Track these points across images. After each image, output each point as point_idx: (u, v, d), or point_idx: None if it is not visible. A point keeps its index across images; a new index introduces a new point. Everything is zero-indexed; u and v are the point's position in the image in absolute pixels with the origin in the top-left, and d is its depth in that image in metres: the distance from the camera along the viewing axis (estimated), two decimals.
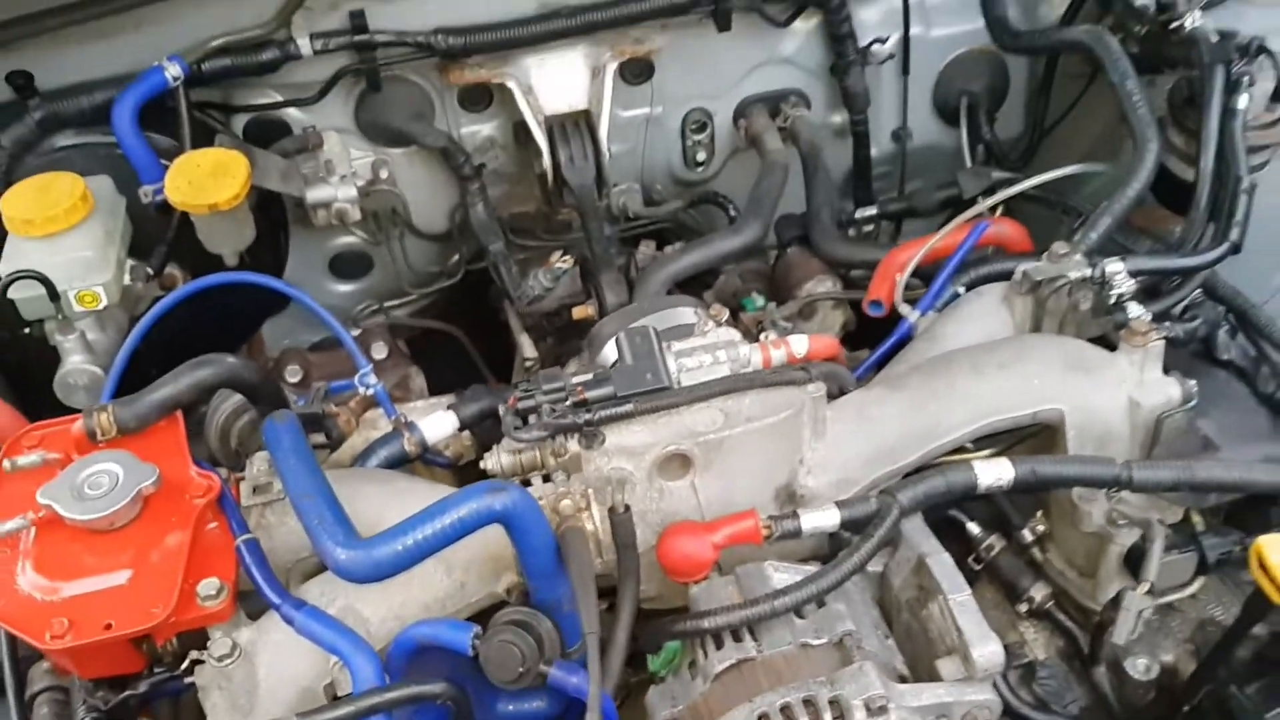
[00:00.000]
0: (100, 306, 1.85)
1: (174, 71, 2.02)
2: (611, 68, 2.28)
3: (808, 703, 1.33)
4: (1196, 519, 1.77)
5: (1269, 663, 1.70)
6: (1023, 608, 1.85)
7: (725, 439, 1.49)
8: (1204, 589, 1.82)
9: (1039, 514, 1.84)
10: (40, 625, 1.34)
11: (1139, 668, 1.78)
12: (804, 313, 2.26)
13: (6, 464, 1.49)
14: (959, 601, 1.43)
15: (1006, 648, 1.83)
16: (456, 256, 2.57)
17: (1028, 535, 1.84)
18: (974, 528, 1.89)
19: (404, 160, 2.39)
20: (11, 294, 1.79)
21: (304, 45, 2.11)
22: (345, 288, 2.57)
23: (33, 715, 1.50)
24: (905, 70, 2.53)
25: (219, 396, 1.79)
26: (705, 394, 1.49)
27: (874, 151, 2.61)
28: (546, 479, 1.54)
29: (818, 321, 2.26)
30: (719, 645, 1.41)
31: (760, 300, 2.25)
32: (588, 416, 1.47)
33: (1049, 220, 2.27)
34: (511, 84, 2.26)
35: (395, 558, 1.31)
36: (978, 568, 1.89)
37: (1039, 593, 1.84)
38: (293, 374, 2.13)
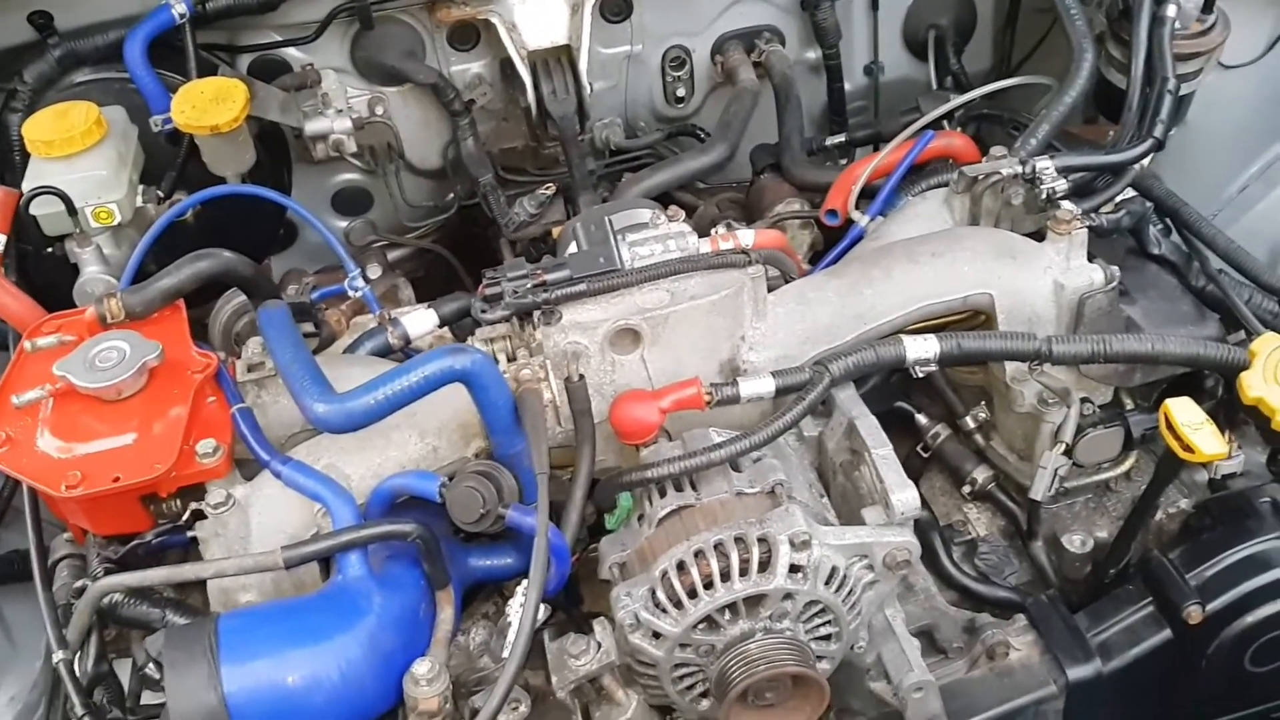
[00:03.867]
0: (115, 223, 2.01)
1: (180, 9, 2.19)
2: (590, 4, 2.42)
3: (739, 540, 1.47)
4: (1126, 400, 1.90)
5: (1192, 531, 1.84)
6: (966, 490, 1.99)
7: (671, 315, 1.64)
8: (1137, 469, 1.96)
9: (981, 403, 1.98)
10: (57, 478, 1.50)
11: (1075, 542, 1.92)
12: None
13: (28, 345, 1.66)
14: (881, 455, 1.57)
15: (951, 526, 1.99)
16: (451, 195, 2.72)
17: (970, 423, 1.98)
18: (922, 418, 2.03)
19: (398, 98, 2.53)
20: (34, 210, 1.96)
21: None
22: (347, 223, 2.73)
23: (54, 576, 1.68)
24: (874, 6, 2.67)
25: (223, 299, 1.95)
26: (653, 275, 1.63)
27: (848, 86, 2.74)
28: (512, 360, 1.69)
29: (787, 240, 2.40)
30: (662, 494, 1.56)
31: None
32: (545, 296, 1.62)
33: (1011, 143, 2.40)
34: (495, 20, 2.41)
35: (367, 409, 1.46)
36: (926, 456, 2.03)
37: (981, 475, 1.98)
38: (292, 292, 2.28)
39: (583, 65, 2.45)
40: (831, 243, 2.31)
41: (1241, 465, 1.83)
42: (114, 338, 1.61)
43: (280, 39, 2.41)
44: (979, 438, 1.98)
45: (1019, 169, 1.85)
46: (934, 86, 2.69)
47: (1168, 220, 2.04)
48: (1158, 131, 1.93)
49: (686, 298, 1.64)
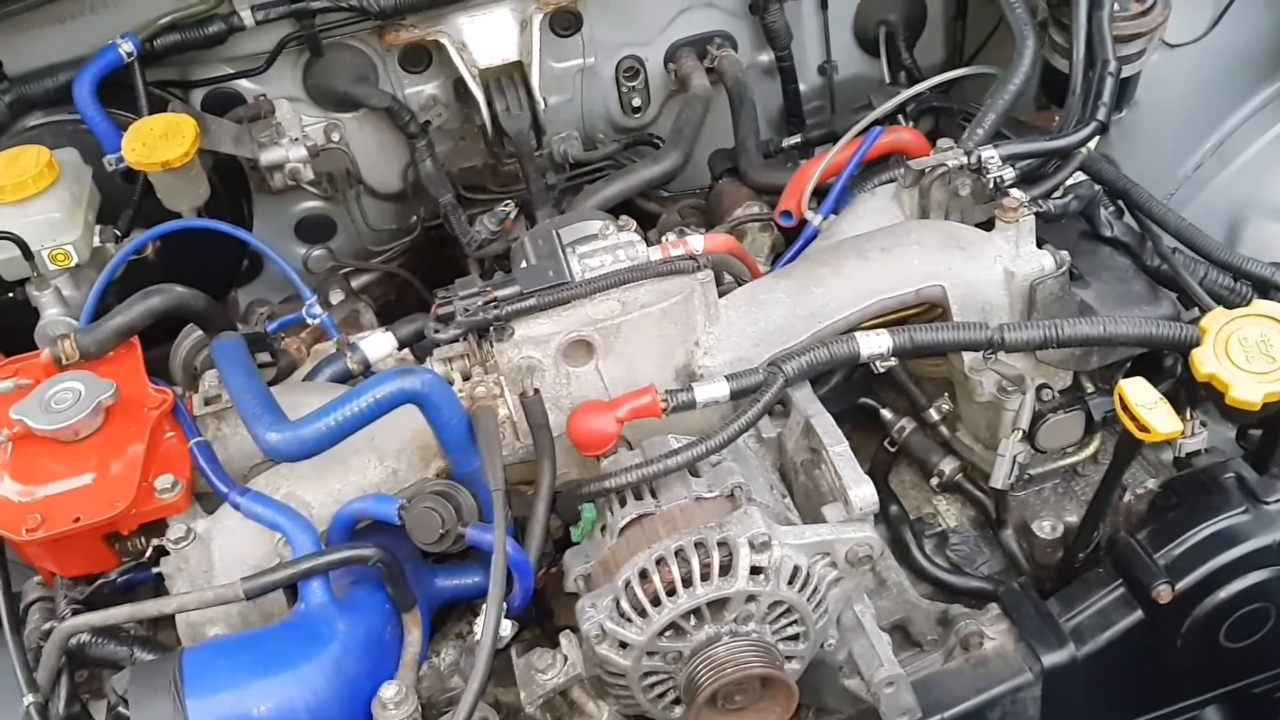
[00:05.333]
0: (73, 264, 2.02)
1: (127, 48, 2.20)
2: (538, 19, 2.44)
3: (699, 545, 1.47)
4: (1086, 384, 1.90)
5: (1159, 510, 1.84)
6: (935, 482, 2.00)
7: (623, 324, 1.64)
8: (1103, 452, 1.96)
9: (945, 395, 1.98)
10: (17, 521, 1.51)
11: (1045, 528, 1.92)
12: (734, 236, 2.39)
13: None
14: (838, 452, 1.57)
15: (921, 519, 1.99)
16: (415, 217, 2.73)
17: (934, 414, 1.99)
18: (887, 413, 2.04)
19: (354, 124, 2.55)
20: None
21: (246, 17, 2.28)
22: (313, 251, 2.73)
23: (26, 620, 1.67)
24: (824, 5, 2.68)
25: (182, 335, 1.95)
26: (603, 285, 1.63)
27: (803, 86, 2.75)
28: (467, 379, 1.69)
29: (747, 244, 2.39)
30: (623, 504, 1.56)
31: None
32: (496, 312, 1.62)
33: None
34: (445, 41, 2.42)
35: (319, 435, 1.47)
36: (893, 450, 2.04)
37: (948, 466, 1.98)
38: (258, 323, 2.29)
39: (535, 81, 2.46)
40: (792, 244, 2.32)
41: (1205, 442, 1.85)
42: (69, 379, 1.61)
43: (232, 71, 2.42)
44: (944, 429, 1.98)
45: (965, 159, 1.86)
46: (886, 82, 2.70)
47: (1120, 202, 2.05)
48: (1101, 114, 1.94)
49: (637, 306, 1.65)
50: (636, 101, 2.72)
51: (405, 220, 2.74)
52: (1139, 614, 1.77)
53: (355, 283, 2.66)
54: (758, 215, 2.38)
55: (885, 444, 2.03)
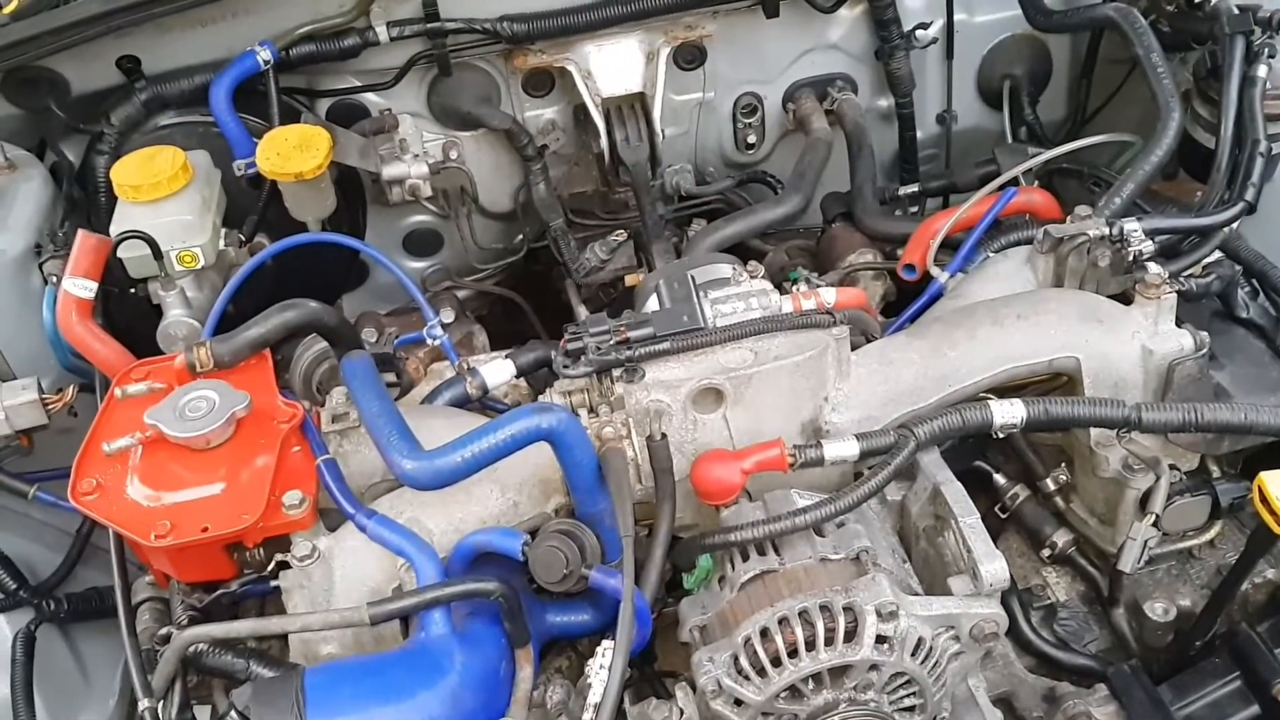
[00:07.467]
0: (199, 266, 2.04)
1: (265, 56, 2.23)
2: (665, 52, 2.44)
3: (824, 608, 1.45)
4: (1213, 467, 1.86)
5: None
6: (1045, 553, 1.96)
7: (755, 375, 1.63)
8: (1222, 537, 1.91)
9: (1061, 465, 1.94)
10: (146, 526, 1.52)
11: (1157, 610, 1.88)
12: (845, 283, 2.37)
13: (118, 392, 1.68)
14: (969, 524, 1.55)
15: (1029, 590, 1.95)
16: (520, 236, 2.74)
17: (1050, 485, 1.94)
18: (1000, 479, 2.00)
19: (472, 143, 2.56)
20: (121, 253, 1.99)
21: (381, 32, 2.30)
22: (418, 264, 2.75)
23: (137, 619, 1.69)
24: (949, 55, 2.66)
25: (303, 345, 1.97)
26: (737, 334, 1.63)
27: (920, 134, 2.73)
28: (593, 413, 1.69)
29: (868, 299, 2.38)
30: (745, 558, 1.54)
31: (805, 274, 2.37)
32: (629, 353, 1.62)
33: (1090, 199, 2.36)
34: (572, 68, 2.43)
35: (455, 467, 1.47)
36: (1003, 516, 2.00)
37: (1061, 538, 1.94)
38: (368, 335, 2.30)
39: (656, 113, 2.46)
40: (904, 294, 2.30)
41: None
42: (203, 387, 1.63)
43: (359, 84, 2.44)
44: (1059, 500, 1.94)
45: (1106, 230, 1.83)
46: (1008, 135, 2.67)
47: (1254, 282, 2.00)
48: (1249, 194, 1.90)
49: (771, 358, 1.64)
50: (751, 138, 2.71)
51: (511, 240, 2.75)
52: (1254, 709, 1.72)
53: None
54: (872, 263, 2.36)
55: (996, 509, 1.99)
